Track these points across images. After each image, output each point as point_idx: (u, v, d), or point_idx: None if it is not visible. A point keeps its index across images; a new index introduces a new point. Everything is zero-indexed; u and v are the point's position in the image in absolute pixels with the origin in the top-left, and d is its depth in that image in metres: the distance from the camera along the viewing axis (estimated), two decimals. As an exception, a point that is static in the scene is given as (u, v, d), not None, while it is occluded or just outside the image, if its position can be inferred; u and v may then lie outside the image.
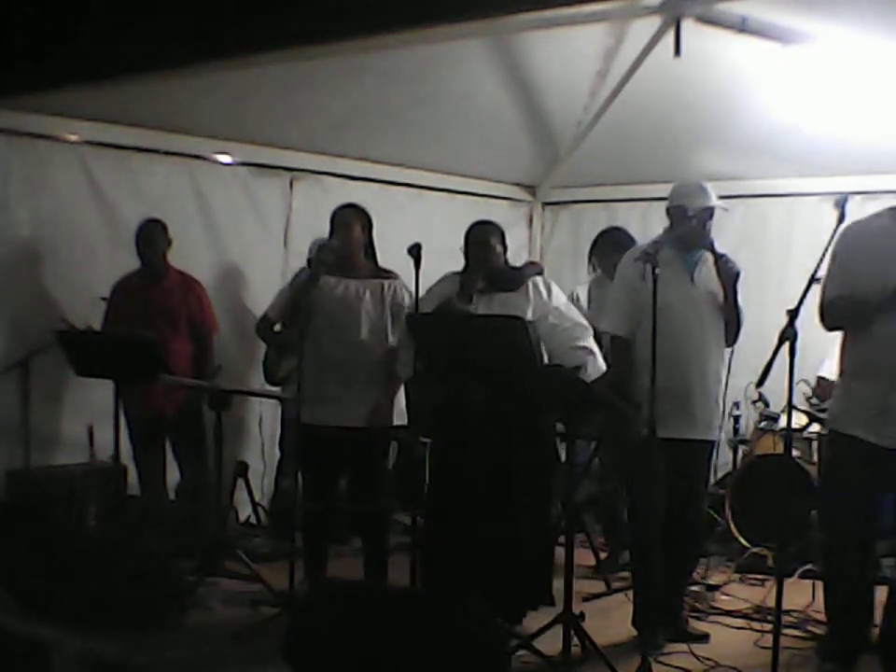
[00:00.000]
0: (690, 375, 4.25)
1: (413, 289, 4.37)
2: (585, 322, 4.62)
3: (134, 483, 5.38)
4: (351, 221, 4.70)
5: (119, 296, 5.35)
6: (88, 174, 5.49)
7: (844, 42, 4.76)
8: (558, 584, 4.12)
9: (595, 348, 4.56)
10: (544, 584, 4.49)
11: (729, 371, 4.37)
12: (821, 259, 3.66)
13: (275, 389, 5.82)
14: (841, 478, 3.91)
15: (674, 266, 4.28)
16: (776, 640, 3.44)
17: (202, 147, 5.82)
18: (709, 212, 4.29)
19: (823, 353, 5.20)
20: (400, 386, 4.77)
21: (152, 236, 5.33)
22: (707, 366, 4.30)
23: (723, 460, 5.72)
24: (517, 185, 7.37)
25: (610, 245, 5.66)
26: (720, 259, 4.30)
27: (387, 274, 4.77)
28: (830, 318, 3.82)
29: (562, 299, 4.59)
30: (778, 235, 6.16)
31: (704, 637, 4.37)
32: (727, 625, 4.48)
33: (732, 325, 4.32)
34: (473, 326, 4.26)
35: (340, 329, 4.64)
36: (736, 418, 5.92)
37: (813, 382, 5.65)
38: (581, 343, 4.48)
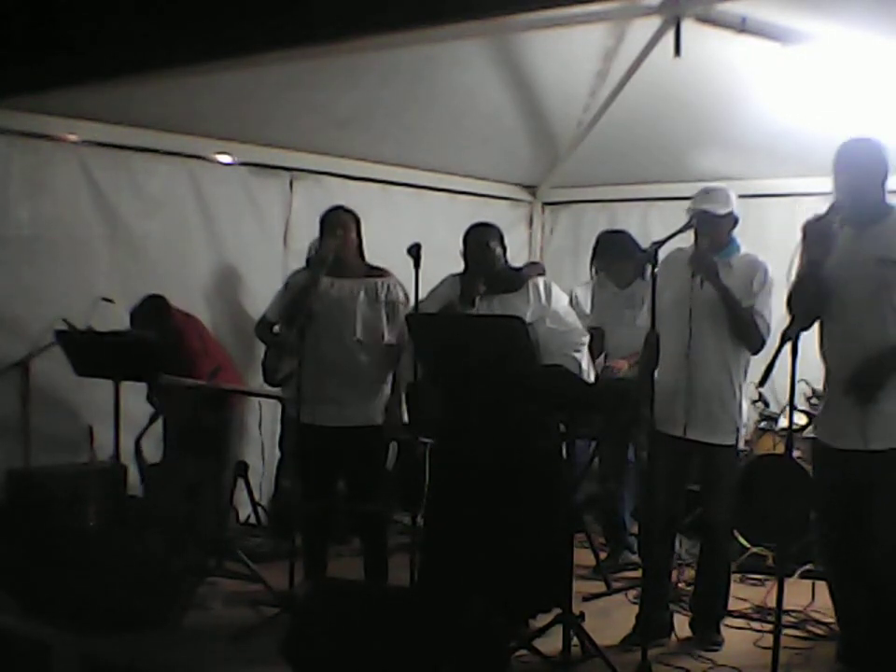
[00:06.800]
0: (695, 375, 4.20)
1: (410, 288, 4.38)
2: (581, 327, 4.61)
3: (134, 483, 5.38)
4: (344, 222, 4.71)
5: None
6: (88, 174, 5.48)
7: (844, 42, 4.76)
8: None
9: (587, 355, 4.54)
10: (555, 586, 4.21)
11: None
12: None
13: (275, 390, 5.82)
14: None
15: (685, 266, 4.27)
16: (776, 640, 3.44)
17: (202, 147, 5.82)
18: (707, 215, 4.24)
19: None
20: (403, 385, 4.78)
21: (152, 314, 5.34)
22: (715, 369, 4.22)
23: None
24: (517, 185, 7.36)
25: (611, 247, 5.66)
26: (743, 261, 4.26)
27: (380, 273, 4.78)
28: (793, 311, 3.74)
29: (562, 302, 4.57)
30: (778, 235, 6.14)
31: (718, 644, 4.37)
32: (727, 625, 4.47)
33: (748, 330, 4.18)
34: (472, 326, 4.26)
35: (336, 329, 4.65)
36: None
37: (814, 382, 5.64)
38: (574, 350, 4.46)
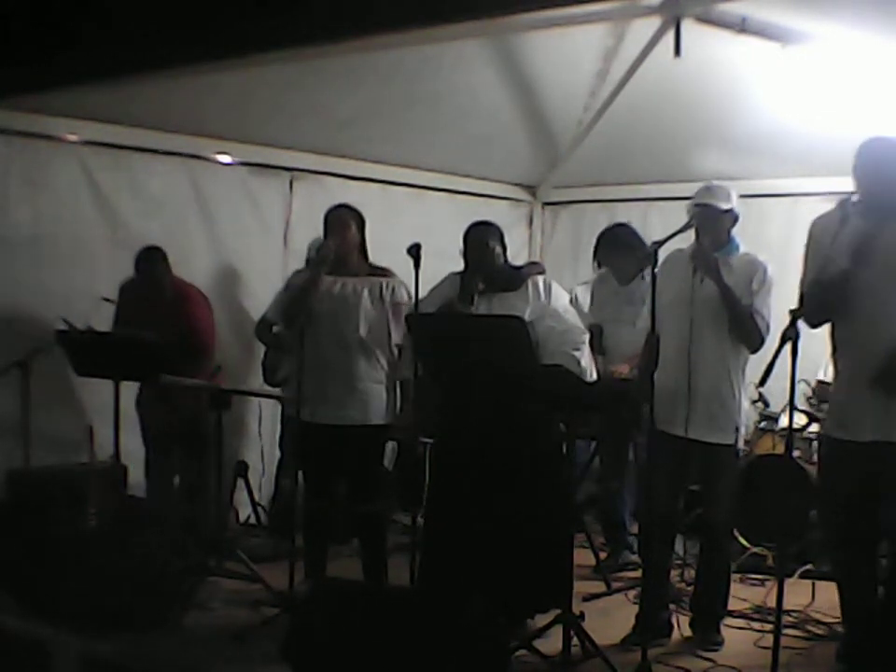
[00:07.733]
0: (694, 375, 4.20)
1: (411, 288, 4.38)
2: (581, 326, 4.60)
3: (134, 483, 5.38)
4: (346, 220, 4.71)
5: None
6: (88, 174, 5.49)
7: (844, 42, 4.76)
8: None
9: (587, 354, 4.54)
10: (555, 586, 4.19)
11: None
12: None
13: (275, 390, 5.82)
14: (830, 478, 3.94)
15: (685, 266, 4.27)
16: (776, 640, 3.44)
17: (202, 147, 5.82)
18: (709, 210, 4.26)
19: (824, 354, 5.20)
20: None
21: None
22: (716, 368, 4.23)
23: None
24: (517, 185, 7.36)
25: (613, 241, 5.65)
26: (742, 261, 4.26)
27: (383, 272, 4.78)
28: (807, 311, 3.74)
29: (561, 300, 4.57)
30: (778, 235, 6.16)
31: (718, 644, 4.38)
32: (727, 625, 4.48)
33: (747, 329, 4.19)
34: (472, 325, 4.26)
35: (339, 327, 4.65)
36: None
37: (813, 383, 5.64)
38: (574, 348, 4.46)
